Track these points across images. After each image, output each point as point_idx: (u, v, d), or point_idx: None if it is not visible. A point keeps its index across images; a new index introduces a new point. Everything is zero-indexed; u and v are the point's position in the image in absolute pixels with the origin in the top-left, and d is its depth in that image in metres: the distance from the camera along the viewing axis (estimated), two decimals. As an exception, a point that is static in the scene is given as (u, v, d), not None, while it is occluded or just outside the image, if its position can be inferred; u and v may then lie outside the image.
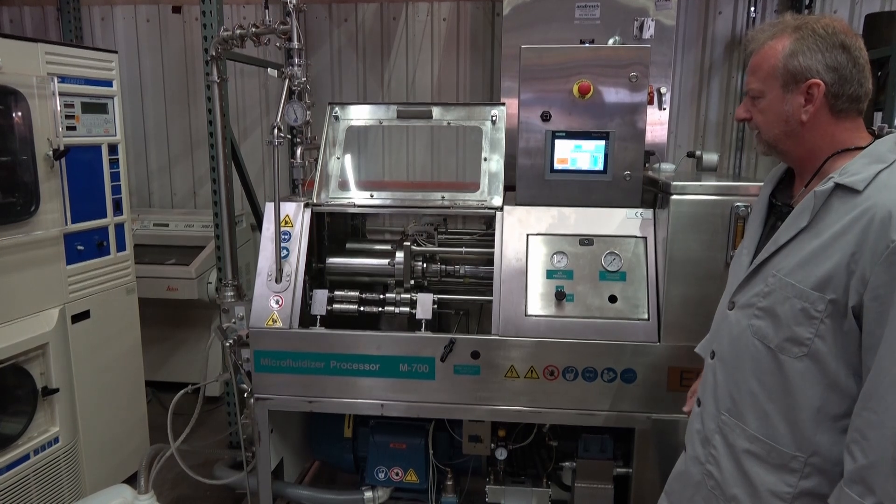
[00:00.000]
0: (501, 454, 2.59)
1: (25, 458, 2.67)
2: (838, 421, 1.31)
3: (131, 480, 2.94)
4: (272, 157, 2.42)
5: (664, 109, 3.21)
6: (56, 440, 2.82)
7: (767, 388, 1.41)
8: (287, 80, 2.56)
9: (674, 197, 2.26)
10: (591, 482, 2.54)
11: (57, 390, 2.80)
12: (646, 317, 2.34)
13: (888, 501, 1.18)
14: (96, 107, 3.02)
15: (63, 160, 2.80)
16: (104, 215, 3.09)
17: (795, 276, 1.35)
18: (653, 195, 2.50)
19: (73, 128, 2.89)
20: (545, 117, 2.44)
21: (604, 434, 2.52)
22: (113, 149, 3.12)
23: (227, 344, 2.59)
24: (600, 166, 2.45)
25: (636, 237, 2.42)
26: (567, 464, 2.60)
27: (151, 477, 2.59)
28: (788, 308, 1.35)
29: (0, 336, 2.56)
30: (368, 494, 2.73)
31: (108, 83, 3.10)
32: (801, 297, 1.33)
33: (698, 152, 2.80)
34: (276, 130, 2.44)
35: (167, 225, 4.39)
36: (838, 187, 1.32)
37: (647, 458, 2.41)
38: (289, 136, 2.86)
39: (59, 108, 2.74)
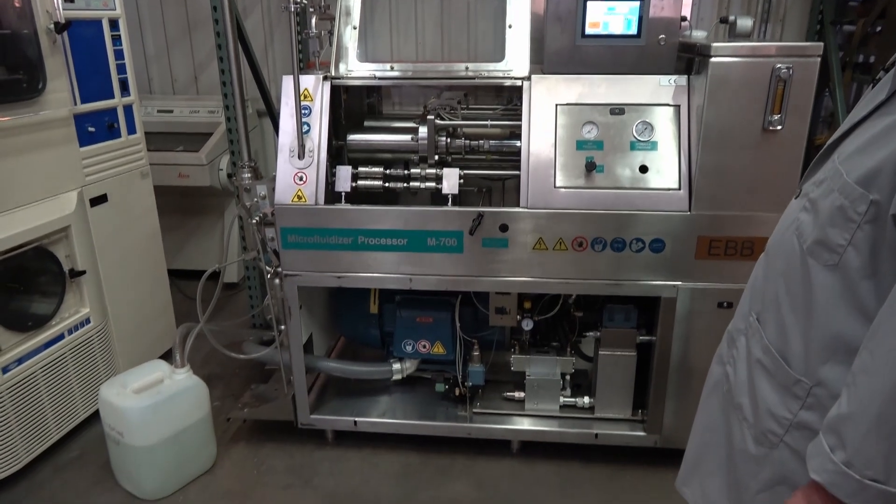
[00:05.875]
0: (528, 325, 2.64)
1: (60, 337, 2.73)
2: (854, 355, 1.03)
3: (163, 359, 3.02)
4: (289, 23, 2.30)
5: (691, -25, 3.03)
6: (87, 321, 2.88)
7: (792, 295, 1.18)
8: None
9: (713, 59, 2.17)
10: (615, 349, 2.61)
11: (84, 272, 2.81)
12: (677, 186, 2.32)
13: (859, 461, 0.95)
14: (93, -23, 2.84)
15: (66, 35, 2.66)
16: (112, 95, 2.99)
17: (847, 164, 1.07)
18: (685, 62, 2.41)
19: (71, 0, 2.73)
20: (577, -24, 2.30)
21: (628, 304, 2.57)
22: (114, 24, 2.97)
23: (253, 222, 2.57)
24: (634, 30, 2.34)
25: (669, 105, 2.35)
26: (591, 333, 2.66)
27: (185, 353, 2.66)
28: (829, 203, 1.09)
29: (22, 219, 2.55)
30: (397, 366, 2.82)
31: (103, -49, 2.90)
32: (842, 192, 1.06)
33: (731, 17, 2.67)
34: (291, -5, 2.31)
35: (171, 111, 4.27)
36: None
37: (671, 326, 2.47)
38: (303, 3, 2.63)
39: (55, -23, 2.57)
